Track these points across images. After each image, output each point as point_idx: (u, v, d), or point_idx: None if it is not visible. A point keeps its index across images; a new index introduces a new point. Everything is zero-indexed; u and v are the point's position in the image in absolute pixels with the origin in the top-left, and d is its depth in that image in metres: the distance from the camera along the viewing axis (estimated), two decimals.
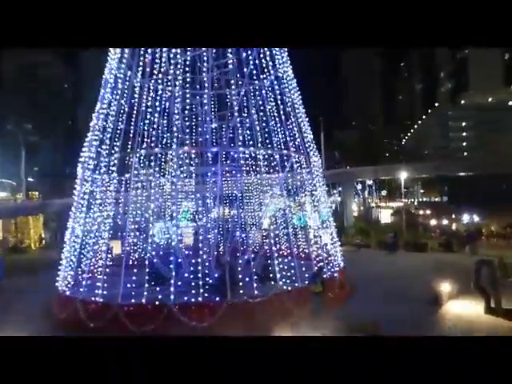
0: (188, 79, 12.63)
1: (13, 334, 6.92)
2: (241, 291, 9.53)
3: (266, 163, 11.61)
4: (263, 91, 12.75)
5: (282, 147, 12.14)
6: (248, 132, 13.75)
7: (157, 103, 11.79)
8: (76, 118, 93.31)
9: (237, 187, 14.21)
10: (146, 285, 9.90)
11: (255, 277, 10.21)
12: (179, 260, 11.85)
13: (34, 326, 9.00)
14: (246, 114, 13.02)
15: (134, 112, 11.54)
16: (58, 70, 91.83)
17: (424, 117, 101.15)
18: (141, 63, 11.93)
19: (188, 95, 13.24)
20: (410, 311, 9.58)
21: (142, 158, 11.54)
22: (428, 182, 67.56)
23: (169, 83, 12.71)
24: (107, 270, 10.55)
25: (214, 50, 13.02)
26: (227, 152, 12.61)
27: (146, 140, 11.06)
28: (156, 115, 11.41)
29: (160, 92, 12.28)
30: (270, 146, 12.34)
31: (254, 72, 12.54)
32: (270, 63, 12.46)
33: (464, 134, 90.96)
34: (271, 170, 12.30)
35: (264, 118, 12.63)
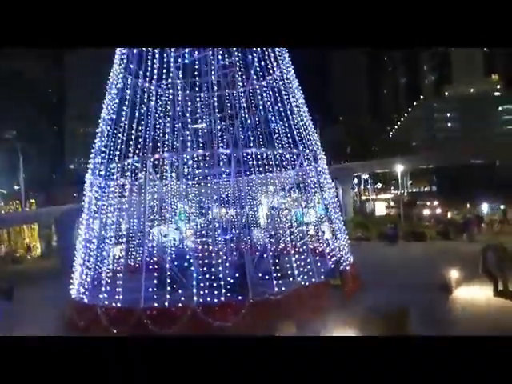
0: (194, 82, 12.85)
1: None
2: (260, 289, 9.70)
3: (277, 162, 11.80)
4: (268, 91, 12.95)
5: (291, 146, 12.38)
6: (251, 132, 14.01)
7: (166, 107, 11.86)
8: (62, 123, 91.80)
9: (247, 187, 14.38)
10: (155, 288, 10.00)
11: (265, 274, 10.42)
12: (191, 261, 11.97)
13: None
14: (251, 114, 13.23)
15: (142, 117, 11.63)
16: (42, 73, 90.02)
17: (410, 109, 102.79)
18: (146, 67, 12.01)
19: (192, 97, 13.45)
20: (427, 299, 9.92)
21: (154, 162, 11.60)
22: (416, 173, 68.84)
23: (175, 87, 12.87)
24: (121, 275, 10.58)
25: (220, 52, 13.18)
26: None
27: (157, 144, 11.15)
28: (167, 119, 11.49)
29: (166, 96, 12.38)
30: (277, 145, 12.57)
31: (259, 72, 12.76)
32: (274, 63, 12.69)
33: (449, 124, 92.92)
34: (280, 169, 12.55)
35: (271, 118, 12.84)
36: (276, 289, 9.48)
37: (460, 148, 55.93)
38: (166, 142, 12.59)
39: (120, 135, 11.49)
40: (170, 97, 12.40)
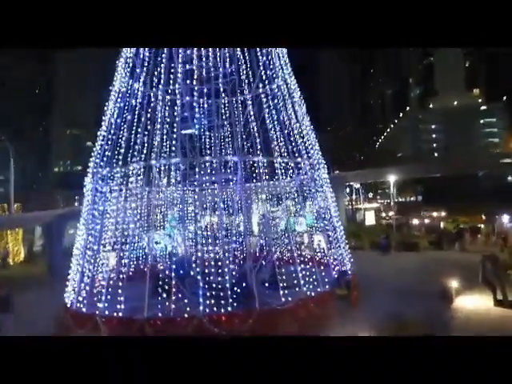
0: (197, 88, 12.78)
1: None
2: (266, 298, 9.60)
3: (278, 170, 11.82)
4: (270, 98, 13.04)
5: (294, 154, 12.43)
6: (253, 140, 14.04)
7: (174, 113, 11.78)
8: (48, 125, 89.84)
9: (246, 194, 14.34)
10: (158, 297, 9.75)
11: (264, 283, 10.33)
12: (191, 269, 11.81)
13: None
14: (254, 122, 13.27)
15: (145, 122, 11.53)
16: (27, 73, 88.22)
17: (396, 121, 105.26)
18: (149, 72, 11.97)
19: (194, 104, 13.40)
20: (428, 308, 10.02)
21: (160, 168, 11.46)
22: (401, 183, 70.32)
23: (179, 92, 12.81)
24: (120, 283, 10.32)
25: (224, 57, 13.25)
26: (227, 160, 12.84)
27: (163, 149, 11.03)
28: (174, 125, 11.40)
29: (169, 102, 12.30)
30: (279, 153, 12.60)
31: (262, 80, 12.84)
32: (277, 70, 12.81)
33: (434, 136, 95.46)
34: (280, 177, 12.57)
35: (272, 126, 12.90)
36: (283, 299, 9.38)
37: (445, 159, 57.40)
38: (169, 148, 12.49)
39: (121, 140, 11.33)
40: (177, 102, 12.29)
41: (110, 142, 11.41)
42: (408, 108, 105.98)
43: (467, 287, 11.99)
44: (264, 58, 12.54)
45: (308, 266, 11.07)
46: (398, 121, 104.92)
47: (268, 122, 13.05)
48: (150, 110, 11.89)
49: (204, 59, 13.59)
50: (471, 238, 20.93)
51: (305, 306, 9.27)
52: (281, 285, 9.69)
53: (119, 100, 11.99)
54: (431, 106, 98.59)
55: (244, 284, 9.75)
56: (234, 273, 10.34)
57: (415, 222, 33.80)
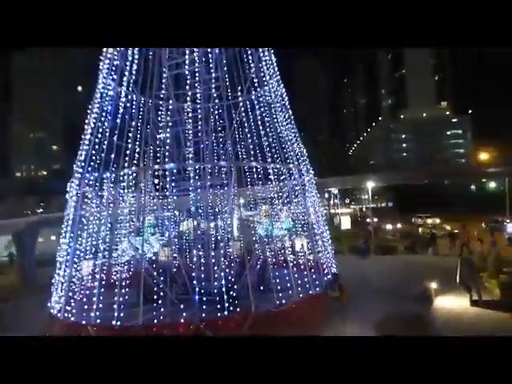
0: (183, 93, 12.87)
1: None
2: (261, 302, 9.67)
3: (276, 176, 12.06)
4: (259, 103, 13.31)
5: (281, 160, 12.72)
6: (241, 146, 14.27)
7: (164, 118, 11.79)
8: (7, 127, 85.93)
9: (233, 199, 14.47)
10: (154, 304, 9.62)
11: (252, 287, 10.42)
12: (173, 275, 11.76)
13: None
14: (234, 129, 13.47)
15: (135, 126, 11.47)
16: None
17: (369, 130, 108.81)
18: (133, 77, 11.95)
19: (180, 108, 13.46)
20: (413, 308, 10.53)
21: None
22: (375, 189, 72.70)
23: (164, 97, 12.84)
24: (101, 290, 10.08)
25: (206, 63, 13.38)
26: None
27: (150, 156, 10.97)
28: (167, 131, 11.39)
29: (161, 108, 12.32)
30: (270, 158, 12.86)
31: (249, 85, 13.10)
32: (263, 74, 13.10)
33: (404, 145, 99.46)
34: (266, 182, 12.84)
35: (260, 131, 13.15)
36: (277, 302, 9.54)
37: (418, 168, 59.82)
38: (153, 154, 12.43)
39: (104, 145, 11.19)
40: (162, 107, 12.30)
41: (97, 147, 11.24)
42: (380, 118, 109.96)
43: (445, 289, 12.63)
44: (253, 64, 12.79)
45: (295, 270, 11.29)
46: (370, 130, 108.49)
47: (251, 128, 13.31)
48: (133, 115, 11.87)
49: (189, 64, 13.68)
50: (450, 244, 21.86)
51: (298, 308, 9.46)
52: (274, 288, 9.84)
53: (102, 103, 11.82)
54: (402, 116, 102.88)
55: (232, 288, 9.82)
56: (222, 277, 10.39)
57: (389, 227, 35.09)
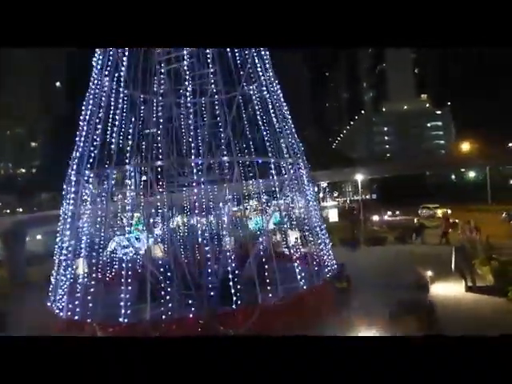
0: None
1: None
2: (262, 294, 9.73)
3: (275, 170, 12.08)
4: (255, 97, 13.26)
5: (277, 154, 12.74)
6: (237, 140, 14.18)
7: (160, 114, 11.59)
8: None
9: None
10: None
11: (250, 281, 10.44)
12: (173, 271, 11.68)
13: None
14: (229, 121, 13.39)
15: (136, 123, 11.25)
16: None
17: (351, 123, 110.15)
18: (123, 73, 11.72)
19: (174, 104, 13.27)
20: (413, 296, 10.77)
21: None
22: (356, 182, 74.00)
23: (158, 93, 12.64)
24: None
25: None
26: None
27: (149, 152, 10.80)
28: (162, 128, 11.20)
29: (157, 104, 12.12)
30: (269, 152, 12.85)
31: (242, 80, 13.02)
32: (258, 69, 13.05)
33: (386, 138, 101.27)
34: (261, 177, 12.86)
35: (260, 126, 13.12)
36: (281, 295, 9.61)
37: (407, 160, 60.93)
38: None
39: (97, 142, 10.98)
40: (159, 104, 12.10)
41: (94, 144, 10.99)
42: (363, 111, 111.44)
43: (438, 276, 13.01)
44: (248, 58, 12.72)
45: (298, 262, 11.38)
46: (353, 123, 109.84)
47: (251, 122, 13.27)
48: (125, 110, 11.68)
49: (184, 59, 13.50)
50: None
51: (303, 299, 9.56)
52: (276, 281, 9.89)
53: (96, 100, 11.56)
54: (384, 109, 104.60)
55: (228, 283, 9.85)
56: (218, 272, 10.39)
57: (376, 218, 35.79)
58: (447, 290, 12.15)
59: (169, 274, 11.13)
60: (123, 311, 8.95)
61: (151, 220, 16.76)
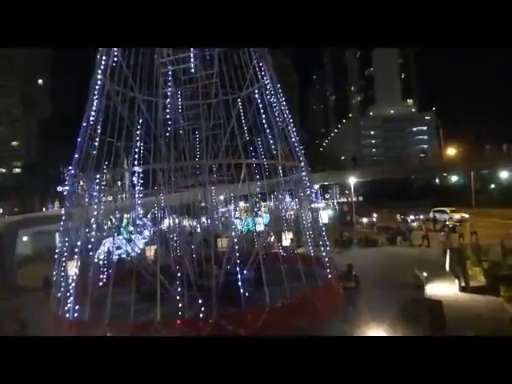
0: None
1: None
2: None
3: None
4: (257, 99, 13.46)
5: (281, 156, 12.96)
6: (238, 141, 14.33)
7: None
8: None
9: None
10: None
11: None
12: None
13: None
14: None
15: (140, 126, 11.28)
16: None
17: (339, 126, 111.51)
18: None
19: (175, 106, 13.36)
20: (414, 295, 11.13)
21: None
22: (348, 185, 74.79)
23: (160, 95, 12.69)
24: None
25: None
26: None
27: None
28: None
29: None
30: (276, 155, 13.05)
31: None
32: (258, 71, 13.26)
33: (373, 141, 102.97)
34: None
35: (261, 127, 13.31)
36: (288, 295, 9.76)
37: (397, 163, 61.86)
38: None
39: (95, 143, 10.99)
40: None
41: (96, 144, 10.99)
42: (350, 115, 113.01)
43: (431, 277, 13.46)
44: (252, 60, 12.91)
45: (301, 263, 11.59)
46: (341, 126, 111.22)
47: (243, 124, 13.43)
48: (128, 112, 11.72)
49: (184, 61, 13.59)
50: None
51: (309, 299, 9.73)
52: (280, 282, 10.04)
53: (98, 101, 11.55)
54: (371, 113, 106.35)
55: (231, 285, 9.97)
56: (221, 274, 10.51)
57: (365, 220, 36.34)
58: (442, 290, 12.60)
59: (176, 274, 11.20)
60: (133, 311, 9.01)
61: (149, 220, 16.76)
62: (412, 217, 32.70)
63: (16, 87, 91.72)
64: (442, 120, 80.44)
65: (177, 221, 17.64)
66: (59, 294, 10.76)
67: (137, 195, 14.53)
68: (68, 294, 10.27)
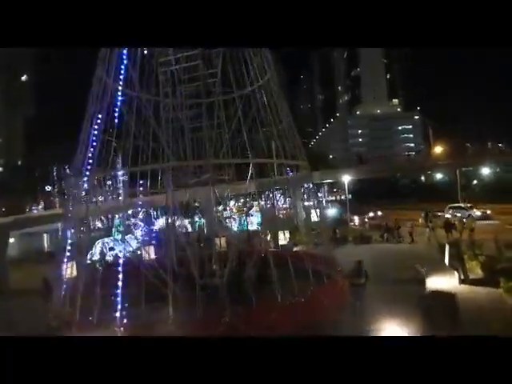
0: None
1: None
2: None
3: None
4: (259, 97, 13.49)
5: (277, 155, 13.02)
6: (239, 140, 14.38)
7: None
8: None
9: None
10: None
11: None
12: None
13: None
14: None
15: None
16: None
17: (327, 125, 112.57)
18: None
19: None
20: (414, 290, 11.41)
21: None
22: (333, 183, 75.49)
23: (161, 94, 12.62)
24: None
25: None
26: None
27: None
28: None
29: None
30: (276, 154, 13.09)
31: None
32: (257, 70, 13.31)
33: (360, 140, 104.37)
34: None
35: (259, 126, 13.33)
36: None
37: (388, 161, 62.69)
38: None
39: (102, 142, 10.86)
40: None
41: (102, 144, 10.85)
42: (338, 114, 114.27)
43: (430, 271, 13.76)
44: (250, 59, 12.94)
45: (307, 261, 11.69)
46: (328, 125, 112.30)
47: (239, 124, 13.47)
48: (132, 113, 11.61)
49: (185, 61, 13.53)
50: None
51: (321, 296, 9.82)
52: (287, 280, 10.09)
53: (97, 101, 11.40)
54: (358, 112, 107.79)
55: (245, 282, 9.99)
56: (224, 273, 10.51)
57: (356, 218, 36.80)
58: (441, 283, 12.91)
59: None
60: (143, 311, 8.94)
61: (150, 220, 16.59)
62: (440, 213, 32.26)
63: None
64: (429, 119, 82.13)
65: (178, 222, 17.55)
66: (63, 294, 10.55)
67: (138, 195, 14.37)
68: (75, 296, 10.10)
